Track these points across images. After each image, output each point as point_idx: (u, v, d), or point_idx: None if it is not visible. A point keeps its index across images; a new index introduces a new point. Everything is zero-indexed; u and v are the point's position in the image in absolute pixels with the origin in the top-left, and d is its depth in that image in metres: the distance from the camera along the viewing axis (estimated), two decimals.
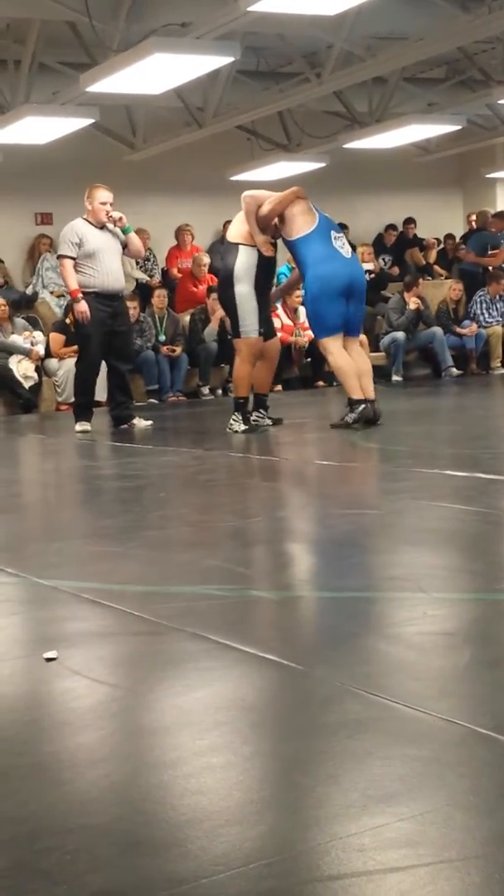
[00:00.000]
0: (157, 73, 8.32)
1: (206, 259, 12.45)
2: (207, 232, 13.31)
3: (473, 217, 14.29)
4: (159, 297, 11.46)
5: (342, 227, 14.04)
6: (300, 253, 7.39)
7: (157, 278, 12.55)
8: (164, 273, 12.78)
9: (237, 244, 7.40)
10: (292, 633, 2.71)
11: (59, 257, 8.15)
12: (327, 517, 4.39)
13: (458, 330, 12.54)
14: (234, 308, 7.43)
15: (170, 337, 11.36)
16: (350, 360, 7.39)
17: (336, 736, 1.95)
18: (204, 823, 1.63)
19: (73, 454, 7.50)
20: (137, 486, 5.50)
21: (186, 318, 11.87)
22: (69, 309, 11.18)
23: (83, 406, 8.28)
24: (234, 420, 7.58)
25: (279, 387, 11.73)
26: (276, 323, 11.74)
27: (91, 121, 9.85)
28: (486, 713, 2.01)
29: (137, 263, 12.49)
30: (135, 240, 8.28)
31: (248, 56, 9.78)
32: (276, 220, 7.39)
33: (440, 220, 14.89)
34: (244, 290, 7.35)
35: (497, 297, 12.78)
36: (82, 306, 7.92)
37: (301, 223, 7.33)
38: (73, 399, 10.39)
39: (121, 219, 7.99)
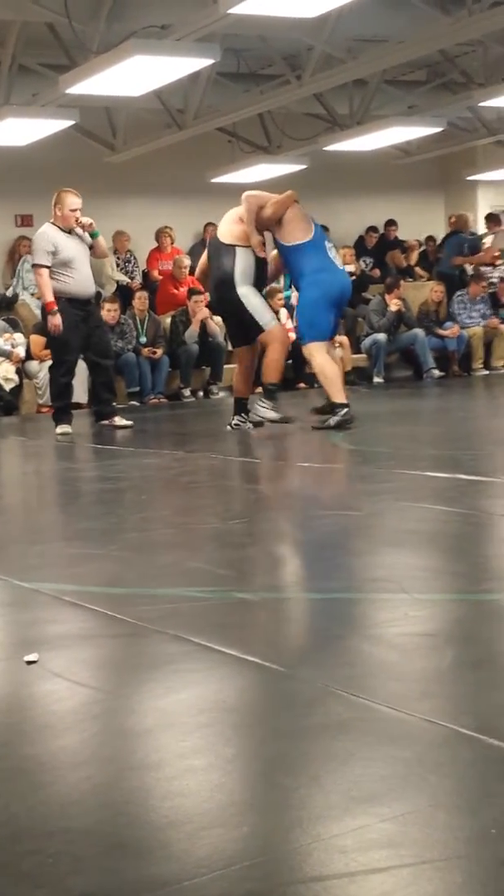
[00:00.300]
0: (137, 75, 8.31)
1: (187, 261, 12.44)
2: (188, 234, 13.31)
3: (453, 219, 14.35)
4: (140, 300, 11.44)
5: (325, 229, 14.13)
6: (295, 260, 7.39)
7: (138, 280, 12.54)
8: (145, 275, 12.77)
9: (233, 246, 7.36)
10: (274, 634, 2.71)
11: (35, 266, 8.06)
12: (309, 519, 4.39)
13: (440, 332, 12.57)
14: (243, 310, 7.37)
15: (151, 339, 11.35)
16: (335, 365, 7.43)
17: (318, 737, 1.95)
18: (186, 826, 1.63)
19: (54, 456, 7.48)
20: (119, 489, 5.49)
21: (167, 321, 11.86)
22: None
23: (62, 409, 8.27)
24: (263, 406, 7.52)
25: (259, 389, 11.74)
26: None
27: (71, 122, 9.83)
28: (468, 713, 2.02)
29: (118, 265, 12.47)
30: (101, 242, 8.35)
31: (229, 58, 9.78)
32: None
33: (421, 222, 14.92)
34: (247, 290, 7.34)
35: (477, 297, 12.82)
36: (56, 319, 7.89)
37: (297, 230, 7.35)
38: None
39: (91, 224, 8.03)
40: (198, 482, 5.60)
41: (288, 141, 12.03)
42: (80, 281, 8.02)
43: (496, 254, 13.56)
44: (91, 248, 8.19)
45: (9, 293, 11.97)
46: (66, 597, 3.07)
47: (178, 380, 11.60)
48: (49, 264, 7.87)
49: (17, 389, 10.77)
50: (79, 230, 8.02)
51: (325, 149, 11.76)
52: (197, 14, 7.84)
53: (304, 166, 12.07)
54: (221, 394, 11.48)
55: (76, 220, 7.95)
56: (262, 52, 10.15)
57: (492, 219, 14.09)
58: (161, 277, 12.55)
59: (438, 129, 11.54)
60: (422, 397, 10.72)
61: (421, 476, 5.06)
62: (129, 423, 8.34)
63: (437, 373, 12.30)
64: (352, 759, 1.83)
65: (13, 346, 10.78)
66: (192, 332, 11.51)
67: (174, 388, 11.60)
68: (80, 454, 7.48)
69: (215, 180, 12.33)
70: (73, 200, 7.95)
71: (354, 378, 11.73)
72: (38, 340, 11.00)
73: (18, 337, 11.02)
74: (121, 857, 1.55)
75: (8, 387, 10.64)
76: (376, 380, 11.94)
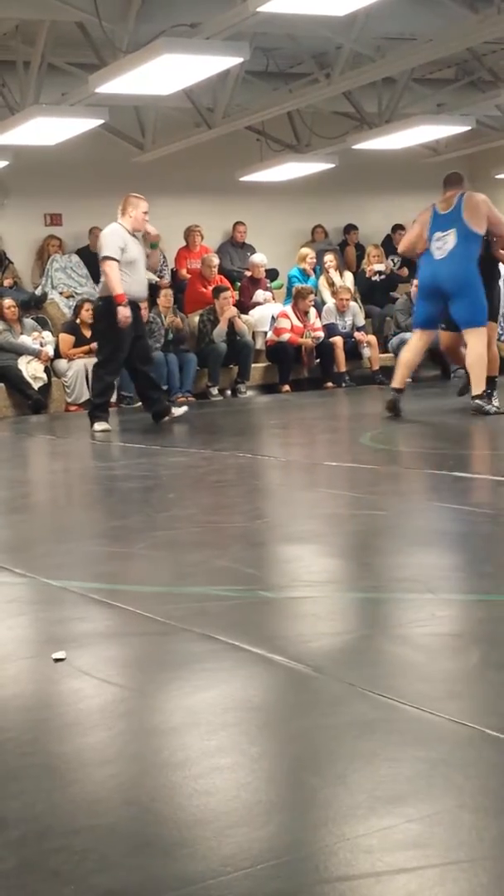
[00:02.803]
0: (166, 74, 8.33)
1: (216, 260, 12.45)
2: (216, 233, 13.32)
3: None
4: (166, 297, 11.50)
5: (353, 228, 14.10)
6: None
7: (167, 279, 12.57)
8: (174, 274, 12.79)
9: None
10: (300, 633, 2.71)
11: (106, 258, 8.09)
12: (336, 518, 4.38)
13: None
14: None
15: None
16: (409, 353, 8.18)
17: (344, 737, 1.95)
18: (212, 824, 1.63)
19: (83, 455, 7.51)
20: (146, 487, 5.50)
21: (195, 319, 11.88)
22: (78, 309, 11.22)
23: (100, 407, 8.39)
24: (492, 395, 7.89)
25: (287, 387, 11.75)
26: (286, 324, 11.82)
27: (100, 122, 9.86)
28: (494, 714, 2.01)
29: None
30: (156, 255, 8.67)
31: (258, 57, 9.78)
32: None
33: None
34: None
35: None
36: (127, 311, 7.97)
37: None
38: (83, 399, 10.48)
39: (157, 235, 8.42)
40: (225, 481, 5.60)
41: (316, 139, 12.02)
42: (138, 283, 8.22)
43: None
44: (147, 256, 8.44)
45: (38, 292, 12.02)
46: (94, 595, 3.09)
47: (206, 378, 11.62)
48: (119, 258, 8.01)
49: (46, 388, 10.82)
50: (139, 236, 8.25)
51: (354, 147, 11.74)
52: (226, 13, 7.84)
53: (332, 165, 12.05)
54: (249, 392, 11.48)
55: (145, 226, 8.21)
56: (291, 51, 10.14)
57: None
58: (189, 276, 12.57)
59: (467, 128, 11.49)
60: (448, 397, 10.66)
61: (448, 476, 5.04)
62: (185, 408, 8.60)
63: (464, 372, 12.24)
64: (377, 758, 1.83)
65: (42, 345, 10.83)
66: (220, 330, 11.53)
67: (202, 386, 11.62)
68: (109, 453, 7.50)
69: (244, 179, 12.33)
70: (145, 205, 8.23)
71: (381, 377, 11.69)
72: (67, 339, 11.05)
73: (47, 336, 11.08)
74: (146, 855, 1.55)
75: (37, 385, 10.69)
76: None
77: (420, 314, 8.24)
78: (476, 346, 7.83)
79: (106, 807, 1.74)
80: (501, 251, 8.07)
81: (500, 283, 9.18)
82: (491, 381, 8.03)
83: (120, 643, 2.68)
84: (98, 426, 8.21)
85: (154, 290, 11.98)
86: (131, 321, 8.06)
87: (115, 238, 8.08)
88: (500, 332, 12.32)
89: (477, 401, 7.73)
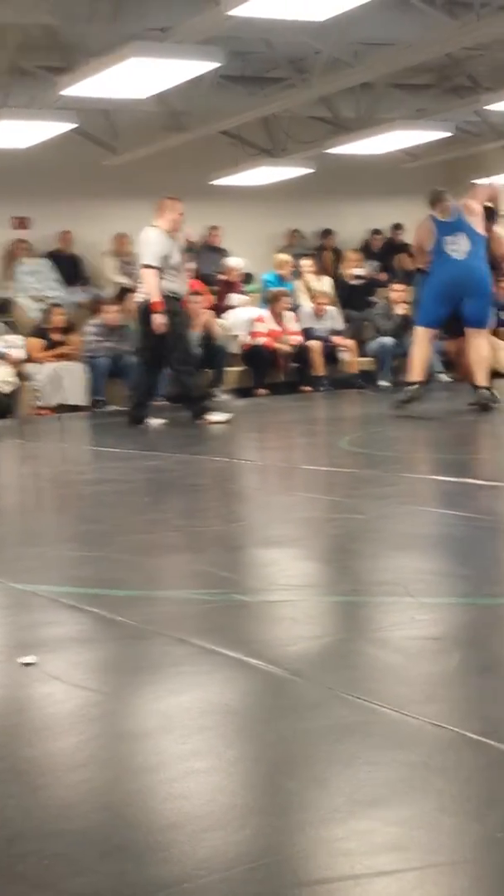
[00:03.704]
0: (136, 78, 8.28)
1: (192, 264, 12.41)
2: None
3: None
4: (132, 301, 11.48)
5: (330, 232, 14.10)
6: None
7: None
8: None
9: None
10: (277, 637, 2.67)
11: (148, 267, 8.30)
12: (314, 522, 4.36)
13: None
14: None
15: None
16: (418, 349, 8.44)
17: (323, 740, 1.92)
18: (187, 828, 1.60)
19: (54, 459, 7.46)
20: (121, 491, 5.46)
21: None
22: (49, 314, 11.17)
23: (203, 399, 8.72)
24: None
25: (264, 391, 11.72)
26: (263, 328, 11.80)
27: (70, 125, 9.81)
28: (473, 718, 1.99)
29: (119, 268, 12.44)
30: (187, 258, 8.93)
31: (233, 60, 9.75)
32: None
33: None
34: None
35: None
36: (163, 318, 8.20)
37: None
38: (54, 403, 10.46)
39: (191, 239, 8.80)
40: (201, 485, 5.57)
41: (293, 144, 12.01)
42: (183, 282, 8.60)
43: None
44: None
45: (6, 296, 11.93)
46: (65, 599, 3.04)
47: None
48: (160, 266, 8.21)
49: (15, 392, 10.73)
50: (176, 236, 8.49)
51: (331, 152, 11.73)
52: (198, 17, 7.81)
53: (310, 170, 12.05)
54: (225, 396, 11.45)
55: (180, 226, 8.48)
56: (266, 55, 10.12)
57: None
58: None
59: (446, 134, 11.52)
60: (428, 401, 10.67)
61: (427, 479, 5.03)
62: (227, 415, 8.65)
63: (444, 377, 12.26)
64: (356, 762, 1.80)
65: (10, 348, 10.75)
66: (195, 334, 11.49)
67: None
68: (81, 457, 7.45)
69: (218, 183, 12.31)
70: (180, 206, 8.49)
71: (361, 381, 11.70)
72: (36, 343, 10.99)
73: (16, 339, 11.00)
74: (120, 860, 1.52)
75: (6, 389, 10.60)
76: (383, 383, 11.90)
77: (431, 314, 8.37)
78: (483, 346, 8.16)
79: (78, 811, 1.70)
80: None
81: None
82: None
83: (92, 647, 2.64)
84: (213, 417, 8.35)
85: (124, 293, 11.96)
86: (180, 319, 8.43)
87: (156, 247, 8.28)
88: None
89: (485, 391, 8.05)
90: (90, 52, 8.33)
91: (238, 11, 7.03)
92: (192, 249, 8.80)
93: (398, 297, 12.04)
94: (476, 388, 8.11)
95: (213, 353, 11.50)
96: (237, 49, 9.68)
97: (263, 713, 2.12)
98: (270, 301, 12.04)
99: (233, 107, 10.66)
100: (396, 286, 12.32)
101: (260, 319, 11.89)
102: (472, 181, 13.69)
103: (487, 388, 8.09)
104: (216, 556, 3.64)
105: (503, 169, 13.66)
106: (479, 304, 8.05)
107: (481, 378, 8.11)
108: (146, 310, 8.35)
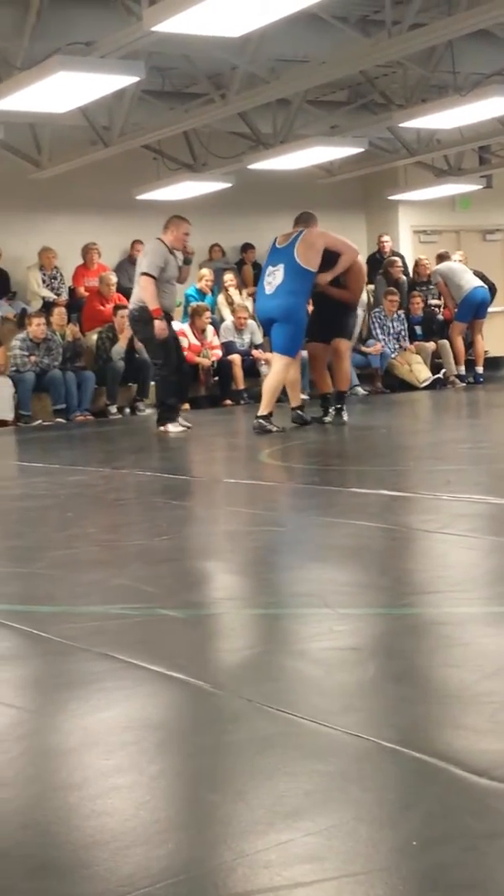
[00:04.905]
0: (61, 92, 8.30)
1: (114, 278, 12.42)
2: (114, 251, 13.28)
3: (386, 238, 14.46)
4: (59, 315, 11.48)
5: (250, 247, 14.17)
6: None
7: (64, 297, 12.49)
8: (71, 291, 12.71)
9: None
10: (199, 651, 2.71)
11: (145, 275, 8.61)
12: (234, 535, 4.40)
13: (363, 349, 12.70)
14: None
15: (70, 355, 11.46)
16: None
17: (243, 753, 1.95)
18: (110, 844, 1.62)
19: None
20: (44, 506, 5.45)
21: (94, 337, 11.82)
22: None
23: (172, 408, 8.84)
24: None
25: (186, 405, 11.76)
26: (183, 342, 11.84)
27: None
28: (390, 727, 2.04)
29: (44, 281, 12.40)
30: (187, 270, 9.19)
31: (154, 76, 9.80)
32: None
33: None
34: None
35: (393, 315, 13.00)
36: (164, 324, 8.61)
37: None
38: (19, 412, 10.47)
39: (192, 252, 9.01)
40: (124, 499, 5.58)
41: (213, 159, 12.09)
42: (172, 296, 8.92)
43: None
44: (179, 270, 8.95)
45: None
46: None
47: (105, 396, 11.56)
48: (157, 276, 8.59)
49: None
50: (178, 255, 8.76)
51: (250, 167, 11.83)
52: (121, 32, 7.85)
53: (228, 184, 12.13)
54: (148, 410, 11.46)
55: (184, 245, 8.80)
56: (186, 71, 10.19)
57: None
58: (87, 294, 12.51)
59: (360, 150, 11.68)
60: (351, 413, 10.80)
61: (345, 492, 5.10)
62: (182, 428, 8.87)
63: (360, 390, 12.42)
64: (276, 773, 1.84)
65: None
66: (119, 348, 11.49)
67: (101, 404, 11.56)
68: (5, 472, 7.41)
69: (141, 197, 12.33)
70: (187, 226, 8.84)
71: (280, 395, 11.76)
72: None
73: None
74: (43, 878, 1.54)
75: None
76: (301, 396, 11.98)
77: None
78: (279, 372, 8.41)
79: (2, 830, 1.72)
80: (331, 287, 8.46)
81: (360, 309, 9.67)
82: (339, 396, 8.81)
83: (16, 664, 2.65)
84: (172, 427, 8.62)
85: (48, 307, 11.91)
86: (172, 333, 8.78)
87: (156, 258, 8.63)
88: (389, 351, 12.60)
89: (261, 420, 8.22)
90: (14, 65, 8.30)
91: (160, 27, 7.09)
92: (188, 261, 9.06)
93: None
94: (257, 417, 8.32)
95: (137, 367, 11.52)
96: (158, 64, 9.73)
97: (185, 727, 2.16)
98: (191, 315, 12.08)
99: (154, 121, 10.70)
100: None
101: (181, 334, 11.93)
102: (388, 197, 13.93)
103: (265, 417, 8.27)
104: (139, 570, 3.67)
105: (416, 185, 13.91)
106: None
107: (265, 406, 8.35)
108: (137, 318, 8.77)
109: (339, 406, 8.71)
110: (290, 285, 8.15)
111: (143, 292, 8.67)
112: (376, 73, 11.02)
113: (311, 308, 8.89)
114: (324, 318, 8.68)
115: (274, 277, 8.24)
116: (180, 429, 8.73)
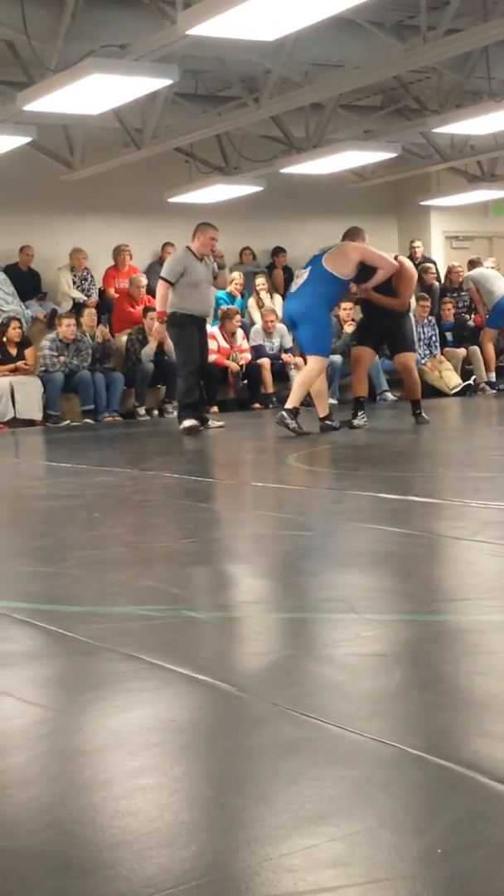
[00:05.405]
0: (95, 94, 8.33)
1: (144, 280, 12.45)
2: (145, 252, 13.32)
3: (417, 244, 14.40)
4: (89, 316, 11.52)
5: (281, 251, 14.17)
6: None
7: (94, 298, 12.53)
8: (101, 293, 12.76)
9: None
10: (225, 653, 2.70)
11: (161, 279, 9.05)
12: (262, 538, 4.40)
13: None
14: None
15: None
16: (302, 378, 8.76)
17: (267, 757, 1.95)
18: (134, 845, 1.62)
19: (7, 474, 7.43)
20: (71, 507, 5.46)
21: (123, 339, 11.85)
22: (4, 327, 11.14)
23: (190, 406, 9.08)
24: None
25: (215, 408, 11.76)
26: (213, 345, 11.85)
27: (28, 139, 9.82)
28: (415, 733, 2.03)
29: (74, 283, 12.46)
30: (223, 275, 9.64)
31: (187, 79, 9.83)
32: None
33: (375, 245, 14.99)
34: None
35: (424, 320, 12.95)
36: (160, 327, 9.22)
37: None
38: (8, 418, 10.40)
39: (222, 256, 9.36)
40: (151, 501, 5.59)
41: (245, 162, 12.10)
42: (201, 301, 9.18)
43: None
44: (215, 276, 9.35)
45: None
46: (16, 615, 3.05)
47: (134, 398, 11.59)
48: (172, 281, 8.92)
49: None
50: (209, 259, 9.14)
51: (282, 171, 11.84)
52: (155, 35, 7.87)
53: (260, 188, 12.14)
54: (176, 413, 11.48)
55: (212, 249, 9.11)
56: (219, 74, 10.21)
57: None
58: (118, 296, 12.55)
59: (393, 155, 11.66)
60: (375, 419, 10.77)
61: (373, 497, 5.09)
62: (221, 423, 9.36)
63: (390, 395, 12.38)
64: (301, 778, 1.83)
65: None
66: (148, 350, 11.51)
67: (129, 406, 11.59)
68: (33, 472, 7.43)
69: (173, 200, 12.36)
70: (213, 232, 9.14)
71: (309, 399, 11.75)
72: None
73: None
74: (67, 877, 1.54)
75: None
76: (330, 401, 11.96)
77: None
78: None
79: (26, 829, 1.72)
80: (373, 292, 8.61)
81: (411, 314, 9.70)
82: (416, 403, 8.98)
83: (42, 663, 2.65)
84: (187, 423, 8.87)
85: (78, 308, 11.96)
86: (198, 332, 9.06)
87: (175, 263, 9.03)
88: (420, 357, 12.55)
89: (283, 413, 8.41)
90: (49, 67, 8.35)
91: (195, 30, 7.10)
92: (222, 266, 9.43)
93: (346, 316, 12.15)
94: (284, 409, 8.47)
95: (166, 369, 11.54)
96: (191, 68, 9.75)
97: (210, 729, 2.15)
98: (222, 318, 12.09)
99: (186, 124, 10.73)
100: (345, 305, 12.40)
101: (211, 336, 11.94)
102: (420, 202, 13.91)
103: (291, 412, 8.40)
104: (165, 572, 3.67)
105: (448, 191, 13.87)
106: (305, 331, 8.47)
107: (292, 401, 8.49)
108: (168, 320, 9.03)
109: (417, 412, 8.95)
110: (312, 286, 8.29)
111: (158, 294, 9.07)
112: (410, 78, 11.00)
113: (343, 312, 8.98)
114: (374, 325, 8.86)
115: (300, 278, 8.46)
116: (193, 422, 8.93)
